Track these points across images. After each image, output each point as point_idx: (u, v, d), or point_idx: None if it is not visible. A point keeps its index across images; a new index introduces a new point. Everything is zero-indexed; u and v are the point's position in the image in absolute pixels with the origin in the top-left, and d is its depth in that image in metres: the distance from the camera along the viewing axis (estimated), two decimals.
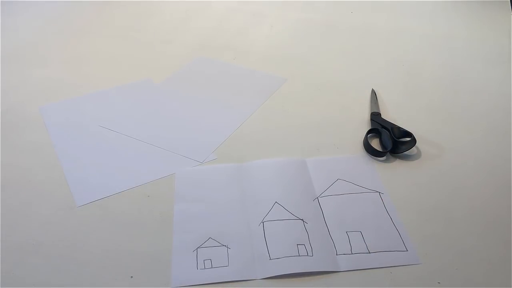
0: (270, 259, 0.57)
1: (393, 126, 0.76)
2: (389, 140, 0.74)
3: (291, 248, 0.58)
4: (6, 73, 0.94)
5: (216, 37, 1.09)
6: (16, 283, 0.55)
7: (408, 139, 0.74)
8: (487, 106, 0.86)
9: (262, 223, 0.62)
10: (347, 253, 0.58)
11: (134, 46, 1.05)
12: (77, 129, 0.79)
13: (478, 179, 0.70)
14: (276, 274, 0.55)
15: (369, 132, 0.77)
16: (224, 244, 0.59)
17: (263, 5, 1.24)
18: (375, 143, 0.76)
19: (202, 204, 0.65)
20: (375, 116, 0.80)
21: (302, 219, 0.62)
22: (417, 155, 0.74)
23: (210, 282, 0.55)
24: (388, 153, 0.73)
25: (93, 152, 0.74)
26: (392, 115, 0.82)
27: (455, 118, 0.83)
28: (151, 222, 0.62)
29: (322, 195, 0.66)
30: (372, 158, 0.73)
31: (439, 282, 0.55)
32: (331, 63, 0.99)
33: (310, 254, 0.57)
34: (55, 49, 1.04)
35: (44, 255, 0.58)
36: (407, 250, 0.58)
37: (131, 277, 0.55)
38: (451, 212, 0.64)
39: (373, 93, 0.88)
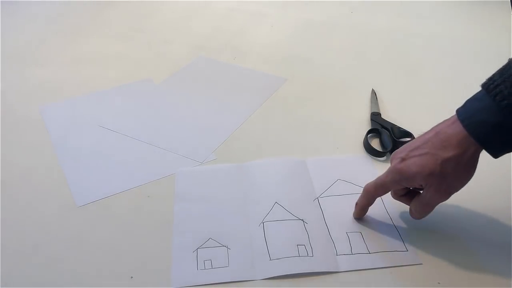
0: (270, 259, 0.57)
1: (393, 126, 0.76)
2: (389, 140, 0.74)
3: (291, 248, 0.58)
4: (6, 73, 0.94)
5: (216, 37, 1.09)
6: (16, 283, 0.55)
7: (408, 139, 0.74)
8: None
9: (262, 223, 0.62)
10: (347, 253, 0.58)
11: (134, 46, 1.05)
12: (77, 129, 0.79)
13: (478, 179, 0.70)
14: (276, 275, 0.55)
15: (369, 132, 0.77)
16: (224, 245, 0.59)
17: (263, 5, 1.24)
18: (375, 143, 0.76)
19: (202, 204, 0.65)
20: (375, 116, 0.80)
21: (302, 220, 0.62)
22: None
23: (210, 282, 0.54)
24: (388, 153, 0.73)
25: (93, 152, 0.74)
26: (392, 115, 0.82)
27: None
28: (151, 222, 0.62)
29: (322, 195, 0.66)
30: (372, 158, 0.73)
31: (439, 282, 0.55)
32: (331, 63, 0.99)
33: (310, 254, 0.57)
34: (55, 49, 1.04)
35: (44, 255, 0.58)
36: (407, 250, 0.58)
37: (131, 277, 0.55)
38: (451, 211, 0.64)
39: (373, 93, 0.88)
